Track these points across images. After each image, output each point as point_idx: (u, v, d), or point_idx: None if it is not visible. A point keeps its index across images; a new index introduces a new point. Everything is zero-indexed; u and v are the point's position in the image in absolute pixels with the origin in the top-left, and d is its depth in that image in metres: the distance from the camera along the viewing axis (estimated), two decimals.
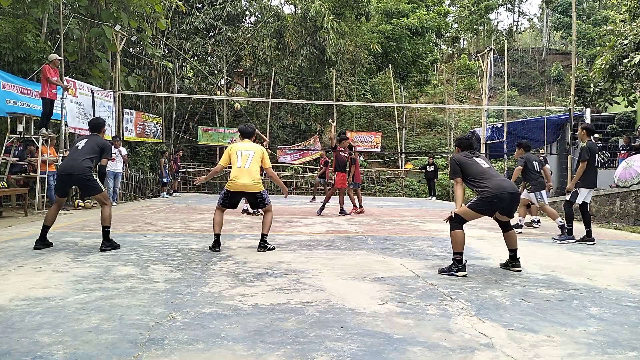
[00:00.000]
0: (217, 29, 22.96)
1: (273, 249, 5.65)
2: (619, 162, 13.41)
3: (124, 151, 12.34)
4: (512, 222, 7.11)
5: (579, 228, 7.45)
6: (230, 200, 5.71)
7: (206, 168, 20.97)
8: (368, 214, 10.99)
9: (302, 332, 2.76)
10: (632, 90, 12.23)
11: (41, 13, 12.56)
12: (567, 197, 7.06)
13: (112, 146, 12.01)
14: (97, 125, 5.81)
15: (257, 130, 9.97)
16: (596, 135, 17.01)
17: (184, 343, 2.55)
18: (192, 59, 23.14)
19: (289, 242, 6.27)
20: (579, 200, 6.89)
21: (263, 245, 5.63)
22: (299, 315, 3.07)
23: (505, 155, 18.31)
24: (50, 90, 9.77)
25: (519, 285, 4.07)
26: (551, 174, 16.34)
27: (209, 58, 24.03)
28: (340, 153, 10.28)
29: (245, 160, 5.58)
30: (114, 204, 11.64)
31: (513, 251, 4.73)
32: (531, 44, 51.88)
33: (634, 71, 10.96)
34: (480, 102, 21.99)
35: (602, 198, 11.44)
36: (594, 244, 6.75)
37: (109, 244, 5.35)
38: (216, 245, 5.50)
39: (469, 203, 4.51)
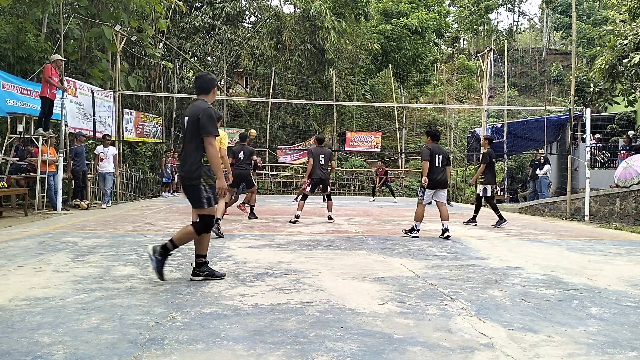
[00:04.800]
0: (217, 28, 22.95)
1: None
2: (619, 162, 13.41)
3: (113, 150, 11.62)
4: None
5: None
6: None
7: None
8: (368, 214, 10.99)
9: (302, 332, 2.76)
10: (632, 90, 12.20)
11: (41, 13, 12.56)
12: (482, 193, 9.14)
13: (102, 145, 11.74)
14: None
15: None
16: (597, 135, 17.03)
17: (184, 343, 2.55)
18: (192, 59, 23.12)
19: (289, 242, 6.27)
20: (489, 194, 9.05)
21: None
22: (299, 315, 3.07)
23: (505, 155, 18.31)
24: (50, 90, 9.78)
25: (519, 285, 4.07)
26: (548, 172, 16.41)
27: (209, 58, 24.01)
28: None
29: None
30: (108, 205, 11.19)
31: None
32: (531, 44, 51.79)
33: (634, 71, 10.94)
34: (480, 102, 21.99)
35: (602, 198, 11.42)
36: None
37: None
38: None
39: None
